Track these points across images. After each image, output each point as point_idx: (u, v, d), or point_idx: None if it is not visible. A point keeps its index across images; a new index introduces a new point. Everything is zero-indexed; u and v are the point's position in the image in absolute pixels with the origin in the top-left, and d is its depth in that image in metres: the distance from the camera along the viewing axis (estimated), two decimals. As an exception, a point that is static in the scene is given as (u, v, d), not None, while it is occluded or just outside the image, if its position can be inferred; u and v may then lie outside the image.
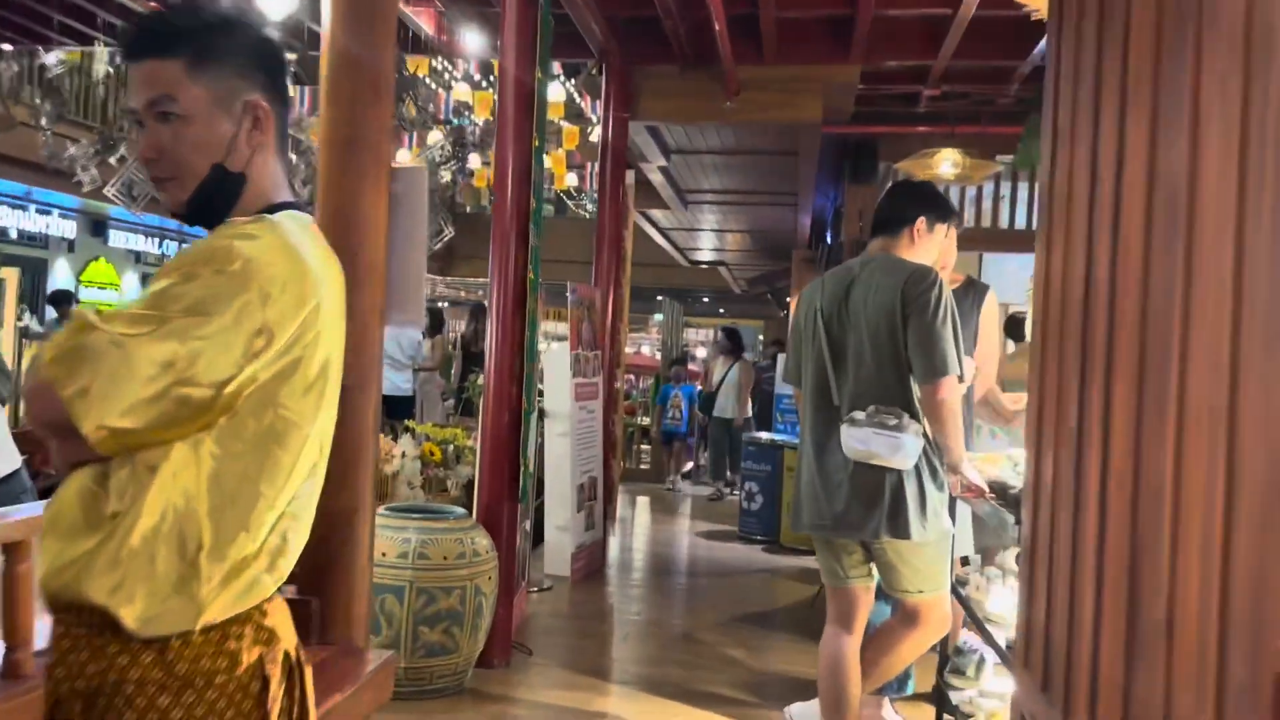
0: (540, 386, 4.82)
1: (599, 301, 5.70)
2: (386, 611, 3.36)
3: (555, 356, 5.38)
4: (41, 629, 1.64)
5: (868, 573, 2.82)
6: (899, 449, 2.61)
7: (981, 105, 6.44)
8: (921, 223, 2.81)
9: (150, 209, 6.27)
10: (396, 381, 8.69)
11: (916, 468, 2.64)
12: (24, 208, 11.78)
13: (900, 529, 2.62)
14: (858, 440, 2.65)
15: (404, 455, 5.05)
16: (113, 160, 5.44)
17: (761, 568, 6.05)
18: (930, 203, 2.88)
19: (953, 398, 2.64)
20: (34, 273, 12.11)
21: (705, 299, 22.18)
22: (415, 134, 6.11)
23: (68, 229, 12.65)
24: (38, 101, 6.34)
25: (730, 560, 6.25)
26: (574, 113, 13.92)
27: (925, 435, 2.67)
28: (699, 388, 10.03)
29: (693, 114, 6.11)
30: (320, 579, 2.32)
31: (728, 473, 9.11)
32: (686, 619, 4.94)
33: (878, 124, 6.66)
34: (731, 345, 9.34)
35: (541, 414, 5.26)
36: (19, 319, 7.96)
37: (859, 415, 2.66)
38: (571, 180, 13.75)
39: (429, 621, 3.35)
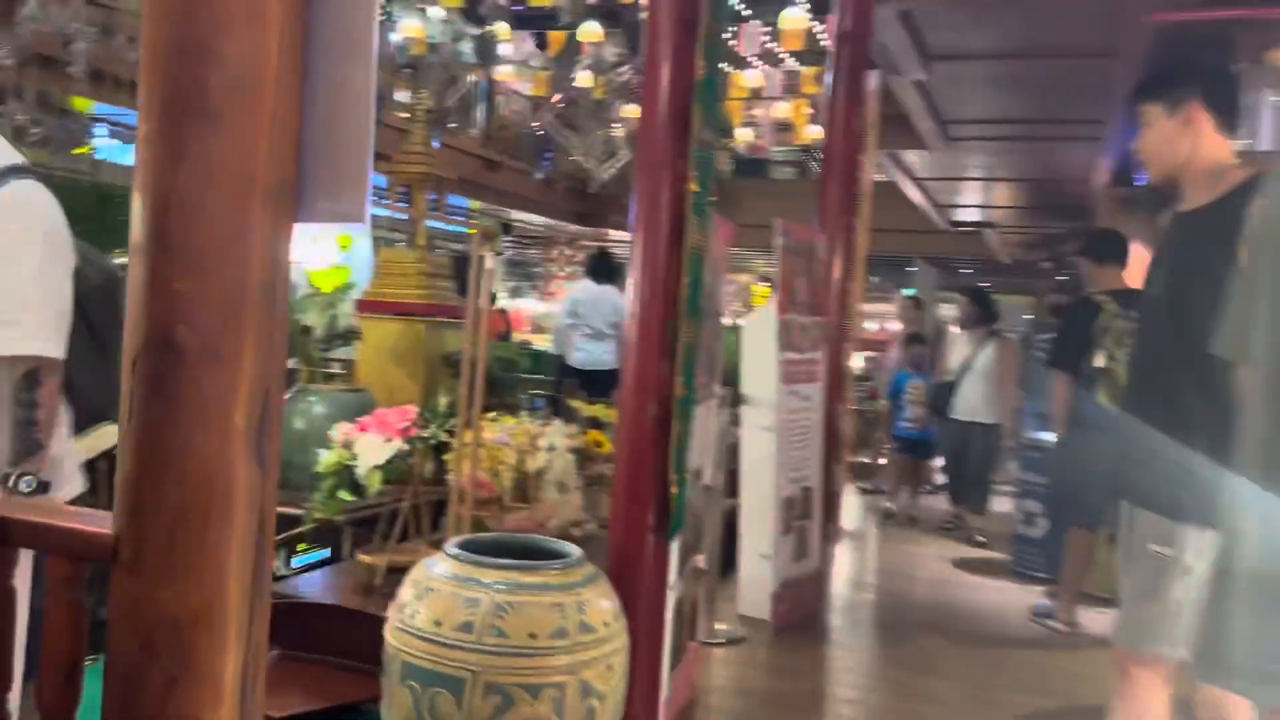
0: (702, 371, 3.41)
1: (823, 249, 4.20)
2: (439, 717, 2.10)
3: (756, 324, 3.95)
4: None
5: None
6: None
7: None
8: None
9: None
10: (595, 353, 7.55)
11: None
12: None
13: None
14: None
15: (550, 448, 3.82)
16: None
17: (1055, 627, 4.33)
18: None
19: None
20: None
21: (964, 270, 19.79)
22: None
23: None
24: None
25: (1002, 609, 4.56)
26: (814, 51, 12.28)
27: None
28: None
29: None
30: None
31: (977, 497, 6.26)
32: (945, 711, 3.39)
33: (1238, 4, 4.68)
34: (980, 313, 6.33)
35: (735, 400, 3.85)
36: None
37: None
38: (815, 133, 12.23)
39: (503, 737, 2.07)
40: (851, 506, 6.40)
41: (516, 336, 14.70)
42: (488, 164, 13.13)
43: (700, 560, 3.16)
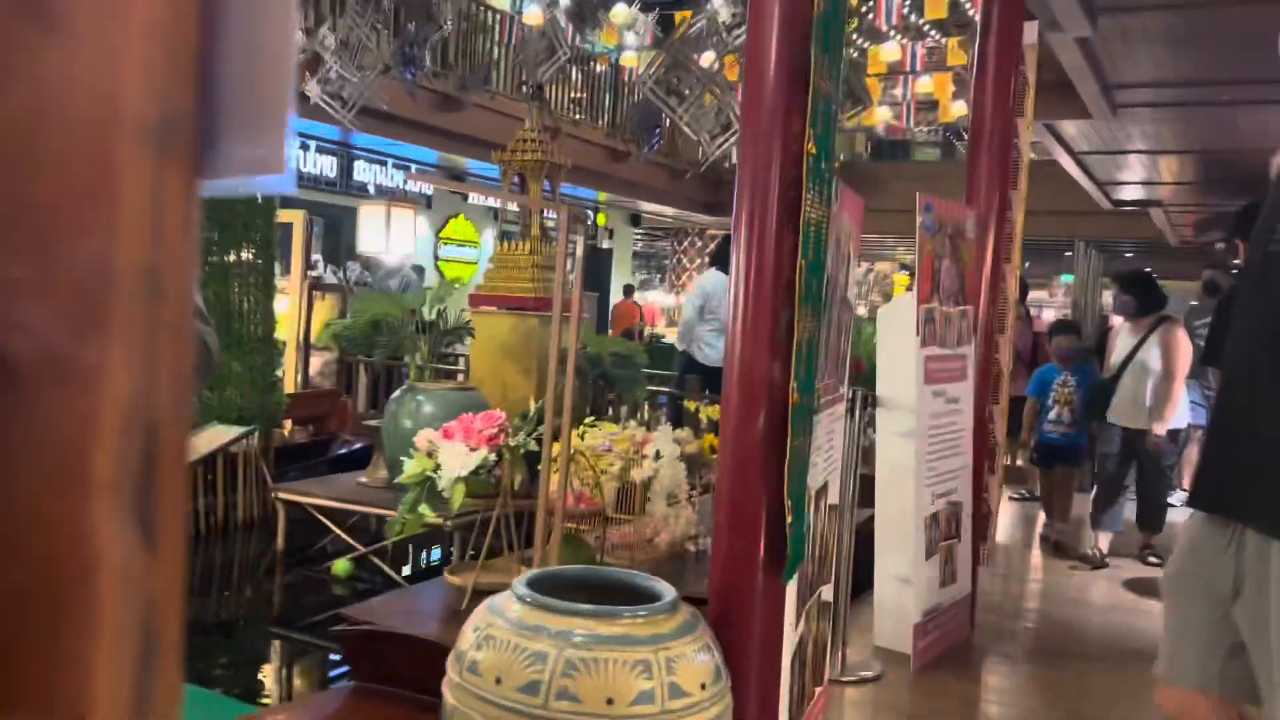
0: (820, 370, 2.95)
1: (973, 229, 3.66)
2: (498, 794, 1.74)
3: (893, 314, 3.46)
4: None
5: None
6: None
7: None
8: None
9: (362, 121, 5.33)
10: (723, 349, 7.16)
11: None
12: (382, 162, 11.74)
13: None
14: None
15: (658, 456, 3.43)
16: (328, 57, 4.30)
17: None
18: None
19: None
20: (392, 229, 12.15)
21: (1128, 254, 18.36)
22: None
23: (425, 184, 12.56)
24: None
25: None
26: (960, 22, 11.43)
27: None
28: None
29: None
30: None
31: (1149, 516, 5.26)
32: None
33: None
34: (1141, 300, 5.19)
35: (865, 402, 3.37)
36: (311, 268, 7.49)
37: None
38: (960, 110, 11.39)
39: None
40: (1004, 516, 5.77)
41: (648, 330, 14.40)
42: (613, 154, 12.86)
43: (827, 591, 2.70)
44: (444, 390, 5.03)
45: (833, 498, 2.68)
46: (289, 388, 6.49)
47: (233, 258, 5.68)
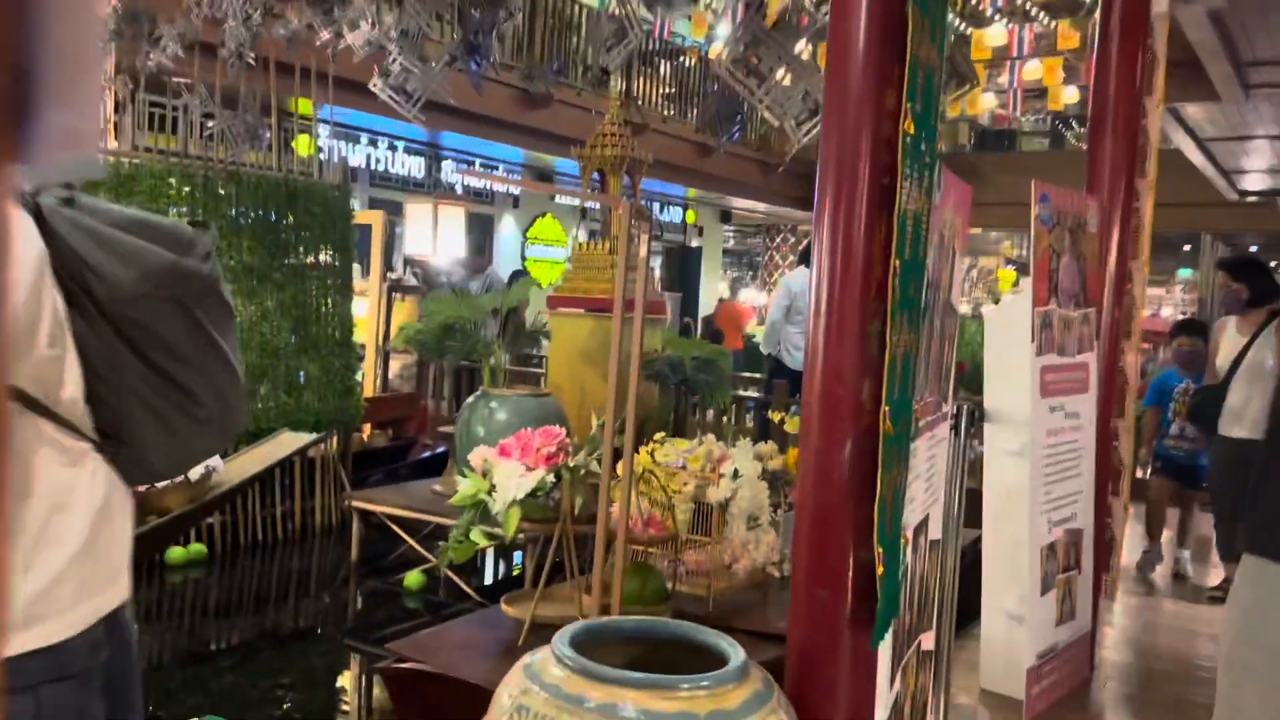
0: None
1: (1095, 221, 3.25)
2: None
3: (1004, 317, 3.08)
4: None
5: None
6: None
7: None
8: None
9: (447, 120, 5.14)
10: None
11: None
12: (469, 162, 11.66)
13: None
14: None
15: (735, 474, 3.12)
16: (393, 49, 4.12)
17: None
18: None
19: None
20: (480, 229, 12.05)
21: (1253, 247, 17.19)
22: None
23: (513, 184, 12.45)
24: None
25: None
26: (1071, 4, 10.73)
27: None
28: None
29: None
30: None
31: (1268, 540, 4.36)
32: None
33: None
34: (1253, 289, 4.52)
35: (972, 417, 3.00)
36: (390, 270, 7.37)
37: None
38: (1071, 96, 10.74)
39: None
40: (1130, 541, 5.29)
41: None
42: (702, 149, 12.55)
43: (928, 639, 2.37)
44: (518, 396, 4.82)
45: (934, 532, 2.35)
46: (368, 391, 6.38)
47: (310, 259, 5.58)
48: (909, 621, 2.10)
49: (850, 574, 1.67)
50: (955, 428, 2.63)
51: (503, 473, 2.53)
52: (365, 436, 6.34)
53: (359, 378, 6.00)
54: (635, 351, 2.40)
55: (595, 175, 6.01)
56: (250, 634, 4.54)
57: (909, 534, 1.93)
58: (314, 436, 4.25)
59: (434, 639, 2.66)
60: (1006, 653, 3.03)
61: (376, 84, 4.20)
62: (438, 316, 4.67)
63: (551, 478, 2.55)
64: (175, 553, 4.91)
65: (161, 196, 4.80)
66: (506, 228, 12.78)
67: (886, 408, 1.65)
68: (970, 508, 3.07)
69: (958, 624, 3.16)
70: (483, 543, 2.50)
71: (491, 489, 2.54)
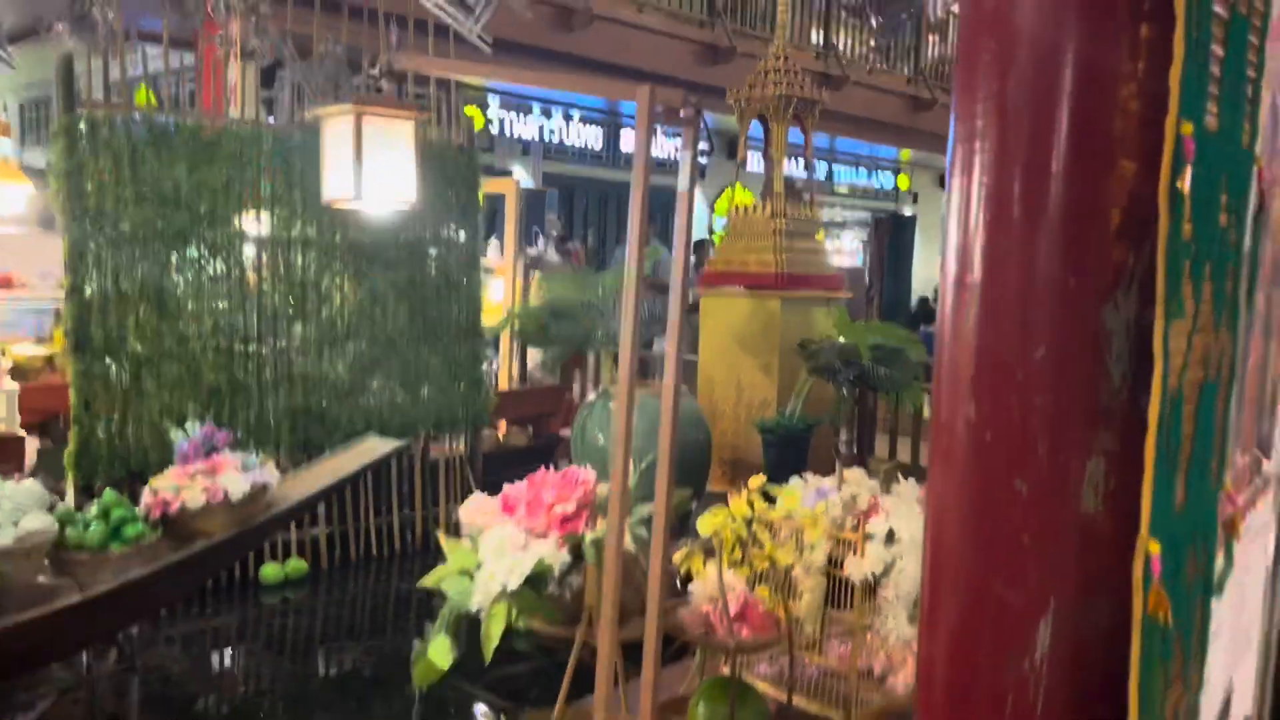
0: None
1: None
2: None
3: None
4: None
5: None
6: None
7: None
8: None
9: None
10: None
11: None
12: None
13: None
14: None
15: (890, 537, 2.06)
16: None
17: None
18: None
19: None
20: (659, 204, 11.20)
21: None
22: None
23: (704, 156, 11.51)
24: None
25: None
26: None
27: None
28: None
29: None
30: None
31: None
32: None
33: None
34: None
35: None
36: (532, 243, 6.59)
37: None
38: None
39: None
40: None
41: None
42: (915, 102, 11.13)
43: None
44: (649, 396, 3.90)
45: (1244, 706, 1.22)
46: (502, 383, 5.66)
47: (429, 234, 4.88)
48: None
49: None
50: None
51: (491, 545, 1.61)
52: (501, 435, 5.63)
53: (489, 368, 5.28)
54: (672, 349, 1.43)
55: (758, 125, 4.99)
56: (350, 666, 3.87)
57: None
58: (396, 444, 3.57)
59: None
60: None
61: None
62: (547, 299, 3.81)
63: (566, 554, 1.61)
64: (269, 570, 4.35)
65: (249, 163, 4.22)
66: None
67: (1152, 544, 0.59)
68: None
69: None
70: (444, 664, 1.60)
71: (479, 567, 1.64)
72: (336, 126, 2.60)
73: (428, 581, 1.69)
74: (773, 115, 4.83)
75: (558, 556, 1.57)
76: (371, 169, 2.56)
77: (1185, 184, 0.58)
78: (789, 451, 4.13)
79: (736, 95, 4.80)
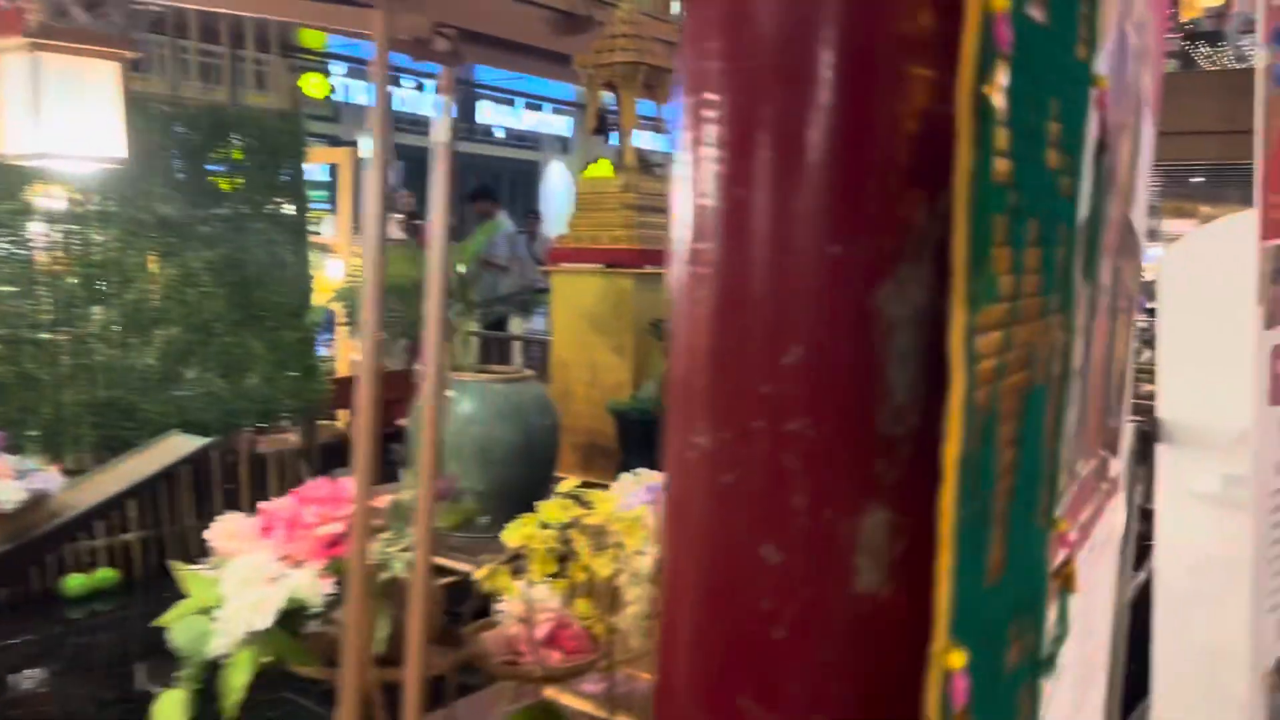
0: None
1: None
2: None
3: (1193, 260, 1.73)
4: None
5: None
6: None
7: None
8: None
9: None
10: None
11: None
12: (509, 102, 10.48)
13: None
14: None
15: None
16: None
17: None
18: None
19: None
20: (521, 179, 10.88)
21: None
22: None
23: (561, 126, 11.19)
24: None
25: None
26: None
27: None
28: None
29: None
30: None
31: None
32: None
33: None
34: None
35: (1144, 441, 1.69)
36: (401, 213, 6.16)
37: None
38: (1210, -1, 8.97)
39: None
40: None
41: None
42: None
43: None
44: (486, 383, 3.63)
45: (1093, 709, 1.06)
46: (342, 369, 5.29)
47: (249, 210, 4.47)
48: None
49: None
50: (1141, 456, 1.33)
51: (236, 576, 1.34)
52: (342, 424, 5.26)
53: (324, 353, 4.92)
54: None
55: (608, 95, 4.75)
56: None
57: None
58: (203, 442, 3.20)
59: None
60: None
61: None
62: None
63: (332, 585, 1.35)
64: (74, 581, 3.92)
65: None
66: (556, 175, 11.56)
67: (954, 655, 0.39)
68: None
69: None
70: (175, 722, 1.33)
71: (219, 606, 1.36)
72: (12, 65, 2.17)
73: (165, 621, 1.41)
74: (622, 84, 4.58)
75: (317, 588, 1.31)
76: (58, 119, 2.15)
77: (997, 91, 0.37)
78: (643, 434, 3.95)
79: (584, 62, 4.54)
